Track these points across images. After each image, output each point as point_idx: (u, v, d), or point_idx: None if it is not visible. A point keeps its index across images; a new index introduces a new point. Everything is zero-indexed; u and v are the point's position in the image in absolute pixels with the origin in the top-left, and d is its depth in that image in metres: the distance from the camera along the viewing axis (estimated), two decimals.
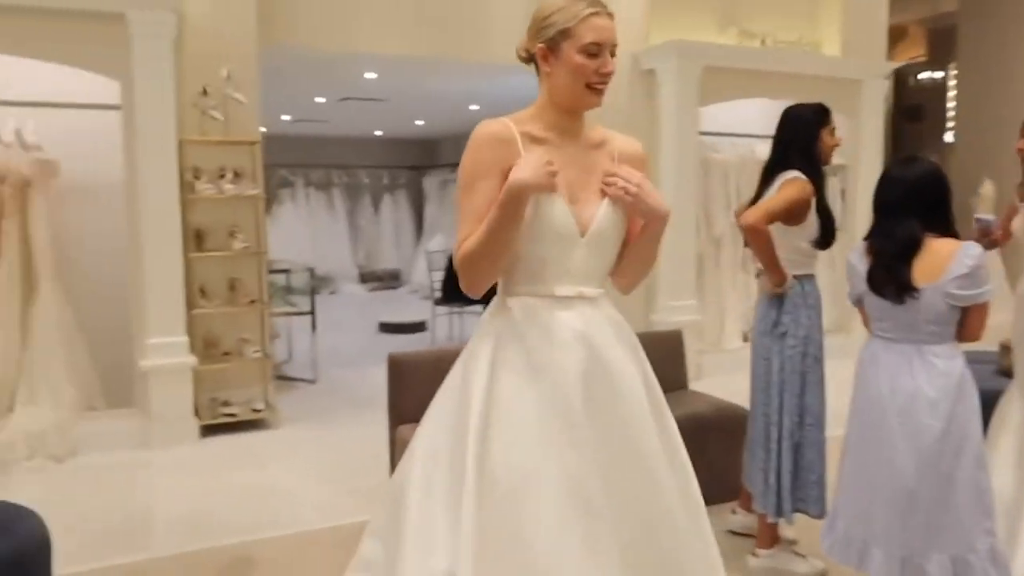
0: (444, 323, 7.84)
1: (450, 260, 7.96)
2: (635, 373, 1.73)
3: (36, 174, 4.42)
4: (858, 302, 2.57)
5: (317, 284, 12.14)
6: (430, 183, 12.90)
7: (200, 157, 4.72)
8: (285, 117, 9.93)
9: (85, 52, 4.31)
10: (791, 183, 2.82)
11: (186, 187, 4.64)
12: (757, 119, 6.82)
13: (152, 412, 4.49)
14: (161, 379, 4.51)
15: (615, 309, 1.79)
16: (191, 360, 4.60)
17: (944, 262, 2.35)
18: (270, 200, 12.18)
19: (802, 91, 6.55)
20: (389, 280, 13.04)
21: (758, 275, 3.02)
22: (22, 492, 3.51)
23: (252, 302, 4.91)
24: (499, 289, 1.78)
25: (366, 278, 12.91)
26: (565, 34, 1.67)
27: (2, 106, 4.33)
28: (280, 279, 7.07)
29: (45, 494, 3.74)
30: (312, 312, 6.40)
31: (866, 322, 2.59)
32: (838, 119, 7.41)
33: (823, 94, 6.64)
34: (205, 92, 4.62)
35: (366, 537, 1.79)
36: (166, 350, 4.51)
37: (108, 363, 4.66)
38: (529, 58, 1.77)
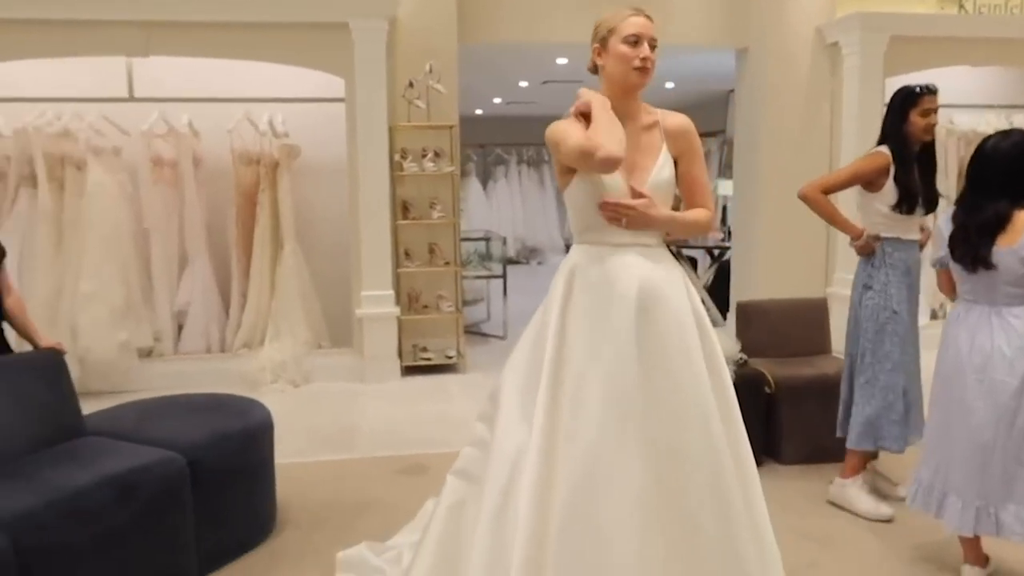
0: None
1: None
2: (682, 302, 2.16)
3: (283, 157, 5.52)
4: (939, 264, 2.74)
5: (526, 254, 13.13)
6: None
7: (406, 140, 5.58)
8: (496, 100, 10.81)
9: (318, 56, 5.30)
10: (867, 156, 3.16)
11: (395, 166, 5.53)
12: (962, 88, 6.54)
13: (365, 352, 5.47)
14: (373, 325, 5.46)
15: (667, 256, 2.23)
16: (396, 311, 5.51)
17: (1023, 227, 2.49)
18: (487, 176, 13.28)
19: (1006, 56, 6.22)
20: None
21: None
22: (267, 405, 4.55)
23: (447, 264, 5.73)
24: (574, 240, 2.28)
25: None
26: (612, 31, 2.15)
27: (258, 102, 5.46)
28: (481, 247, 7.93)
29: (284, 408, 4.73)
30: (504, 276, 7.14)
31: (942, 287, 2.76)
32: None
33: None
34: (411, 85, 5.45)
35: (477, 420, 2.37)
36: (377, 301, 5.45)
37: (333, 310, 5.70)
38: (594, 68, 2.24)
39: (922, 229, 3.30)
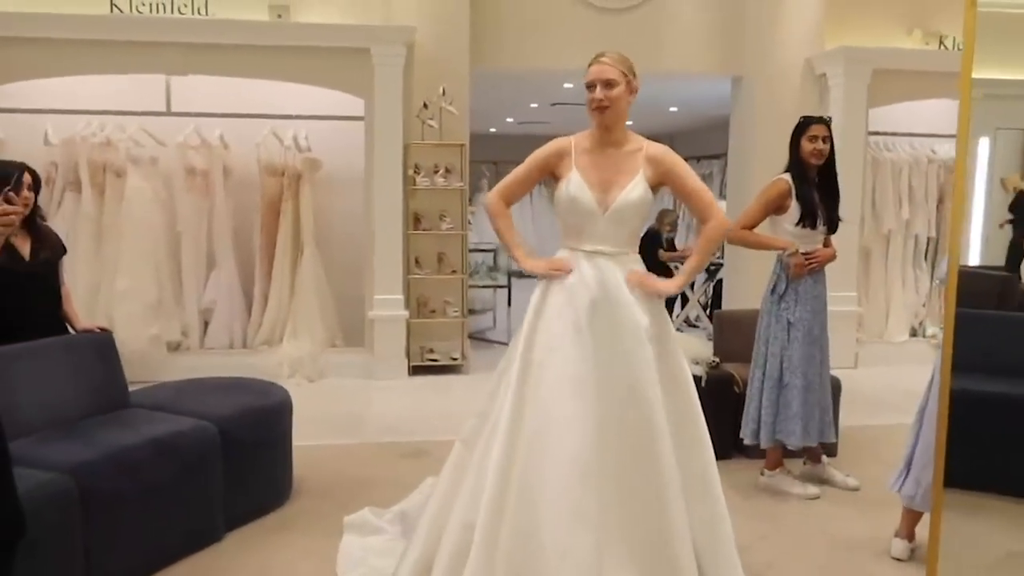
0: None
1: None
2: (637, 307, 2.54)
3: (305, 169, 5.98)
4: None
5: None
6: None
7: (420, 157, 6.04)
8: (509, 119, 11.28)
9: (340, 78, 5.78)
10: (768, 185, 3.59)
11: (408, 180, 5.98)
12: (942, 120, 6.93)
13: (376, 351, 5.90)
14: (383, 327, 5.90)
15: (635, 262, 2.60)
16: (405, 314, 5.95)
17: None
18: None
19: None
20: None
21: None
22: None
23: (454, 272, 6.17)
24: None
25: None
26: (585, 78, 2.58)
27: (285, 119, 5.93)
28: (489, 259, 8.37)
29: (299, 399, 5.07)
30: (508, 287, 7.56)
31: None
32: None
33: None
34: (425, 106, 5.91)
35: (487, 396, 2.71)
36: (388, 305, 5.89)
37: (347, 312, 6.14)
38: None
39: (827, 245, 3.67)
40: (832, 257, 3.65)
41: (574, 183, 2.57)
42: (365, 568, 2.88)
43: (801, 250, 3.57)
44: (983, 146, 5.91)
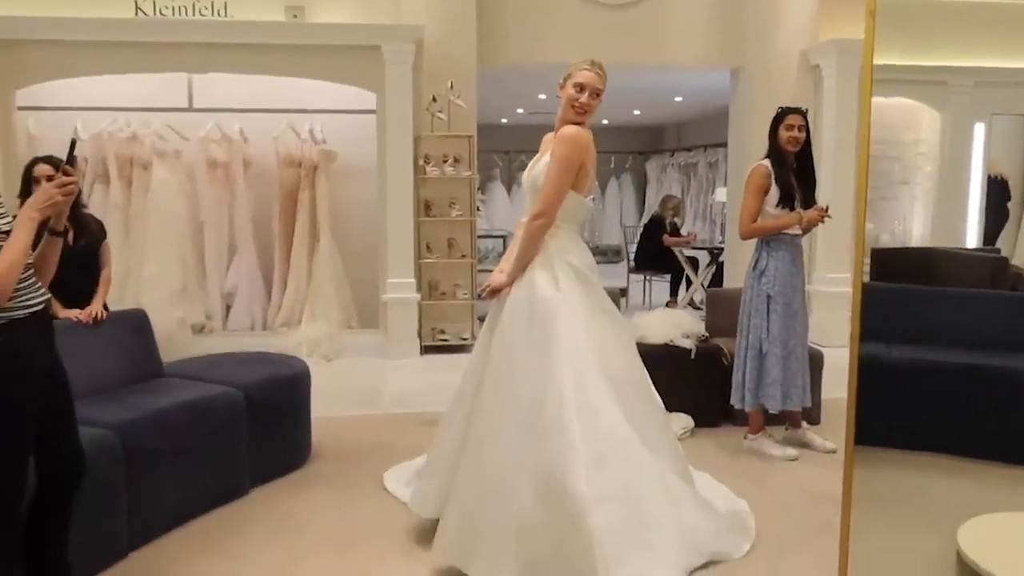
0: (638, 289, 8.96)
1: (642, 233, 9.05)
2: (522, 280, 2.83)
3: (321, 161, 6.29)
4: None
5: None
6: (652, 167, 13.95)
7: (429, 147, 6.33)
8: (519, 110, 11.54)
9: (354, 74, 6.08)
10: (750, 174, 3.87)
11: (419, 170, 6.28)
12: None
13: (389, 332, 6.21)
14: (396, 309, 6.21)
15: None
16: (417, 297, 6.25)
17: None
18: (511, 181, 14.02)
19: None
20: (612, 255, 14.27)
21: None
22: None
23: (463, 257, 6.46)
24: None
25: (592, 253, 14.24)
26: (569, 76, 2.86)
27: (302, 113, 6.25)
28: (499, 245, 8.66)
29: (318, 376, 5.39)
30: None
31: None
32: None
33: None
34: (434, 99, 6.20)
35: None
36: (400, 288, 6.20)
37: (362, 295, 6.46)
38: None
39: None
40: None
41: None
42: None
43: (792, 231, 3.88)
44: (979, 131, 6.10)
